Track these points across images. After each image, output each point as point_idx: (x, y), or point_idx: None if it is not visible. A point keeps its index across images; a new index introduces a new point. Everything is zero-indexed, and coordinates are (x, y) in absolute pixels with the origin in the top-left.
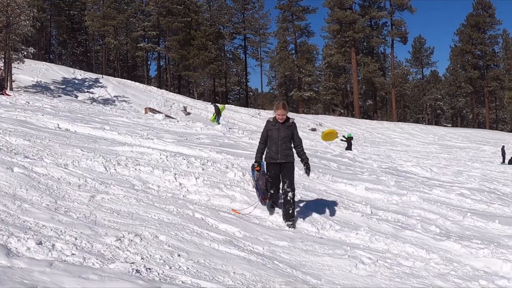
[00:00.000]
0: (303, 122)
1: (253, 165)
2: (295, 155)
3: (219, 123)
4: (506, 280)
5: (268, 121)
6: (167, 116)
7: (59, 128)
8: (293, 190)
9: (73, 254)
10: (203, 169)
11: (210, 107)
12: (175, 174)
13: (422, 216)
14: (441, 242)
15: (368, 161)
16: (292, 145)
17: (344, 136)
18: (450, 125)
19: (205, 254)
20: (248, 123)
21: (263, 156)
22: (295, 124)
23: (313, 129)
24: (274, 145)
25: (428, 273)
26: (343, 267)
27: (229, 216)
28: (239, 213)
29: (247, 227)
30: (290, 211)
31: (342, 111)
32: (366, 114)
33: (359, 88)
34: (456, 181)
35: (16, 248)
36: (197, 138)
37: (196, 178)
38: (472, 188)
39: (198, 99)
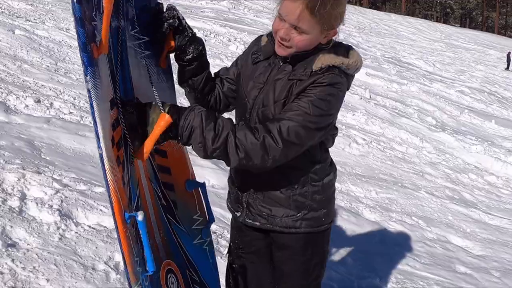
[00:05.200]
0: None
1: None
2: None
3: None
4: (495, 177)
5: (257, 41)
6: None
7: None
8: None
9: (70, 112)
10: (205, 40)
11: None
12: None
13: (420, 106)
14: (436, 133)
15: (371, 49)
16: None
17: None
18: (459, 25)
19: None
20: (254, 3)
21: None
22: (327, 77)
23: None
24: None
25: (419, 160)
26: (336, 144)
27: None
28: None
29: None
30: None
31: None
32: (374, 5)
33: None
34: (457, 79)
35: (15, 105)
36: (201, 11)
37: None
38: (473, 87)
39: None
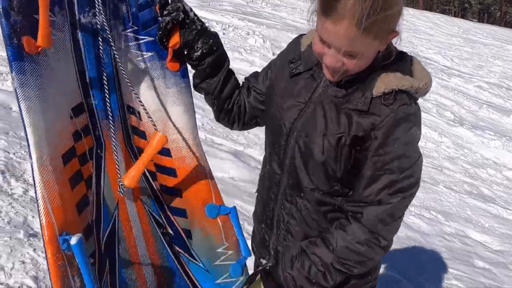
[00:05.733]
0: None
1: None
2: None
3: None
4: None
5: (295, 44)
6: None
7: None
8: None
9: None
10: (224, 34)
11: None
12: None
13: (438, 101)
14: (454, 127)
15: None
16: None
17: None
18: (476, 20)
19: None
20: None
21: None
22: (397, 112)
23: None
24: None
25: (438, 154)
26: None
27: None
28: None
29: None
30: None
31: None
32: None
33: None
34: (476, 74)
35: None
36: (219, 5)
37: None
38: (491, 82)
39: None
